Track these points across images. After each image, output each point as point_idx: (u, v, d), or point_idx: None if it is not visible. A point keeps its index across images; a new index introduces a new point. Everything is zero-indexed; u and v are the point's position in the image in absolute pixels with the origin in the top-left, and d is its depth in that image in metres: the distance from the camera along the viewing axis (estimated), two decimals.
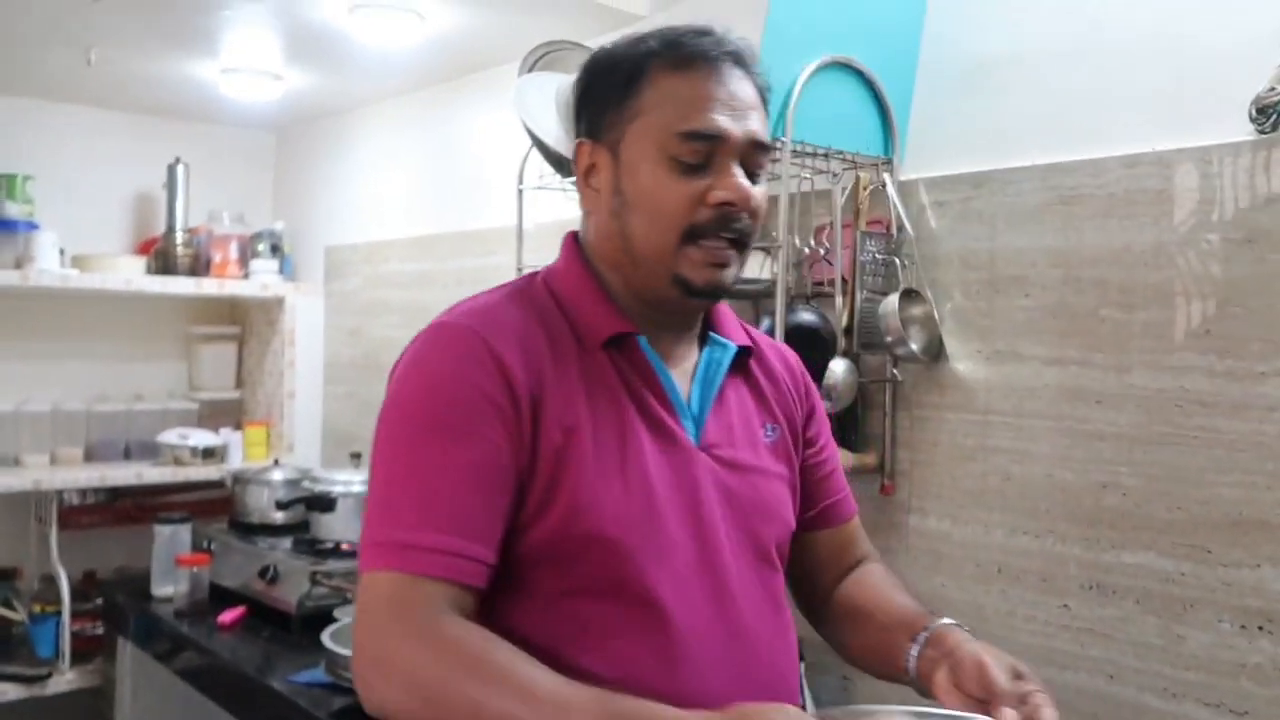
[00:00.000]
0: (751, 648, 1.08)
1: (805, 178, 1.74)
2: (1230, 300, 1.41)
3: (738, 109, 1.05)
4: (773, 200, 1.85)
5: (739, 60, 1.07)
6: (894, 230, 1.74)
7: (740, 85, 1.07)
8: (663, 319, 1.11)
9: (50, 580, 2.94)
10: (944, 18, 1.75)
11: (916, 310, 1.70)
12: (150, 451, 3.15)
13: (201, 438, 3.08)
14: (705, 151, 1.04)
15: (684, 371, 1.13)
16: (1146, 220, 1.49)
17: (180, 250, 3.19)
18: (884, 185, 1.73)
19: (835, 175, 1.73)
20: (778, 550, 1.16)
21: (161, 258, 3.19)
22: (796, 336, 1.67)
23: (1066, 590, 1.56)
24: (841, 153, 1.72)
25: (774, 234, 1.68)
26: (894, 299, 1.66)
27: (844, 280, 1.72)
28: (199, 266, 3.24)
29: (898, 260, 1.73)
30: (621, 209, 1.07)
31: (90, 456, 3.12)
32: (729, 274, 1.07)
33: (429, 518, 0.97)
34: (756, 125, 1.07)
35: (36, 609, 2.93)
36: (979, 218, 1.69)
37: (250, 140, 3.61)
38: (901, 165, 1.77)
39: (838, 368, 1.68)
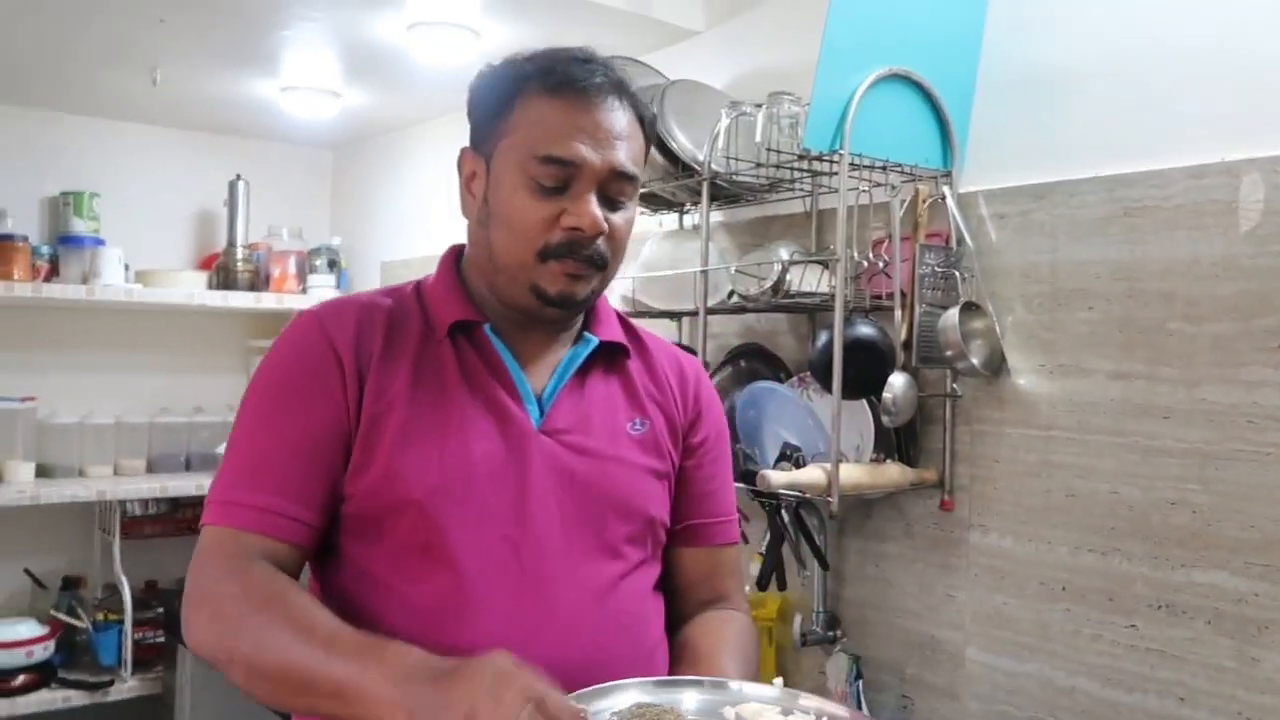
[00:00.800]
0: (560, 625, 1.09)
1: (863, 190, 1.72)
2: None
3: (601, 138, 1.10)
4: (830, 213, 1.85)
5: (616, 90, 1.12)
6: (954, 243, 1.72)
7: (610, 115, 1.11)
8: (527, 320, 1.17)
9: (113, 589, 3.00)
10: (1004, 29, 1.73)
11: (977, 324, 1.68)
12: (210, 463, 3.20)
13: None
14: (562, 176, 1.09)
15: (548, 365, 1.19)
16: (1215, 231, 1.46)
17: (240, 265, 3.25)
18: (943, 198, 1.71)
19: (894, 188, 1.71)
20: (632, 540, 1.17)
21: (222, 272, 3.25)
22: (855, 350, 1.66)
23: (1134, 610, 1.53)
24: (900, 165, 1.71)
25: (832, 247, 1.66)
26: (954, 313, 1.64)
27: (903, 294, 1.70)
28: (258, 281, 3.29)
29: (957, 273, 1.71)
30: (487, 219, 1.15)
31: (152, 468, 3.18)
32: (584, 288, 1.13)
33: (253, 479, 1.08)
34: (622, 155, 1.11)
35: (100, 617, 2.99)
36: (1040, 230, 1.66)
37: (308, 157, 3.67)
38: (961, 177, 1.75)
39: (896, 382, 1.66)
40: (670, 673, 1.17)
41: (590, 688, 0.97)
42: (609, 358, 1.23)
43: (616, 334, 1.24)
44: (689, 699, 1.03)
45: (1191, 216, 1.48)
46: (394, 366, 1.13)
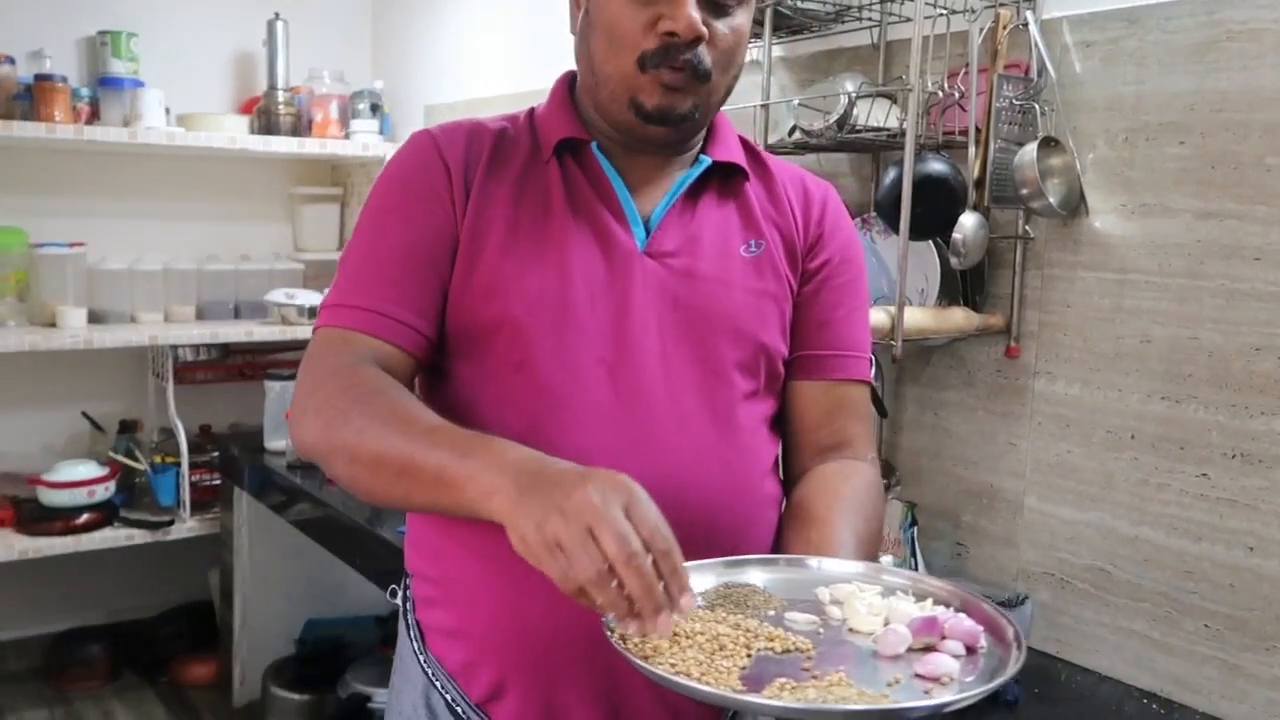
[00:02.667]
0: (653, 452, 1.05)
1: (940, 15, 1.61)
2: None
3: None
4: (899, 45, 1.74)
5: None
6: (1034, 74, 1.61)
7: None
8: (636, 141, 1.12)
9: (169, 433, 3.05)
10: None
11: (1055, 161, 1.58)
12: (259, 310, 3.21)
13: (307, 297, 3.11)
14: None
15: (659, 188, 1.14)
16: None
17: (282, 110, 3.17)
18: (1025, 24, 1.60)
19: (973, 13, 1.60)
20: (741, 367, 1.12)
21: (264, 116, 3.18)
22: (925, 188, 1.58)
23: (1207, 458, 1.48)
24: None
25: (903, 77, 1.57)
26: (1031, 148, 1.55)
27: (977, 129, 1.61)
28: (300, 126, 3.22)
29: (1037, 106, 1.60)
30: (587, 30, 1.10)
31: (201, 315, 3.19)
32: (683, 102, 1.07)
33: (363, 284, 1.08)
34: None
35: (157, 460, 3.05)
36: (1130, 58, 1.55)
37: None
38: (1045, 2, 1.63)
39: (967, 222, 1.58)
40: (781, 532, 1.13)
41: None
42: (725, 180, 1.16)
43: (734, 155, 1.17)
44: (760, 578, 0.98)
45: None
46: (498, 184, 1.11)
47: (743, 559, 1.00)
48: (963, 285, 1.72)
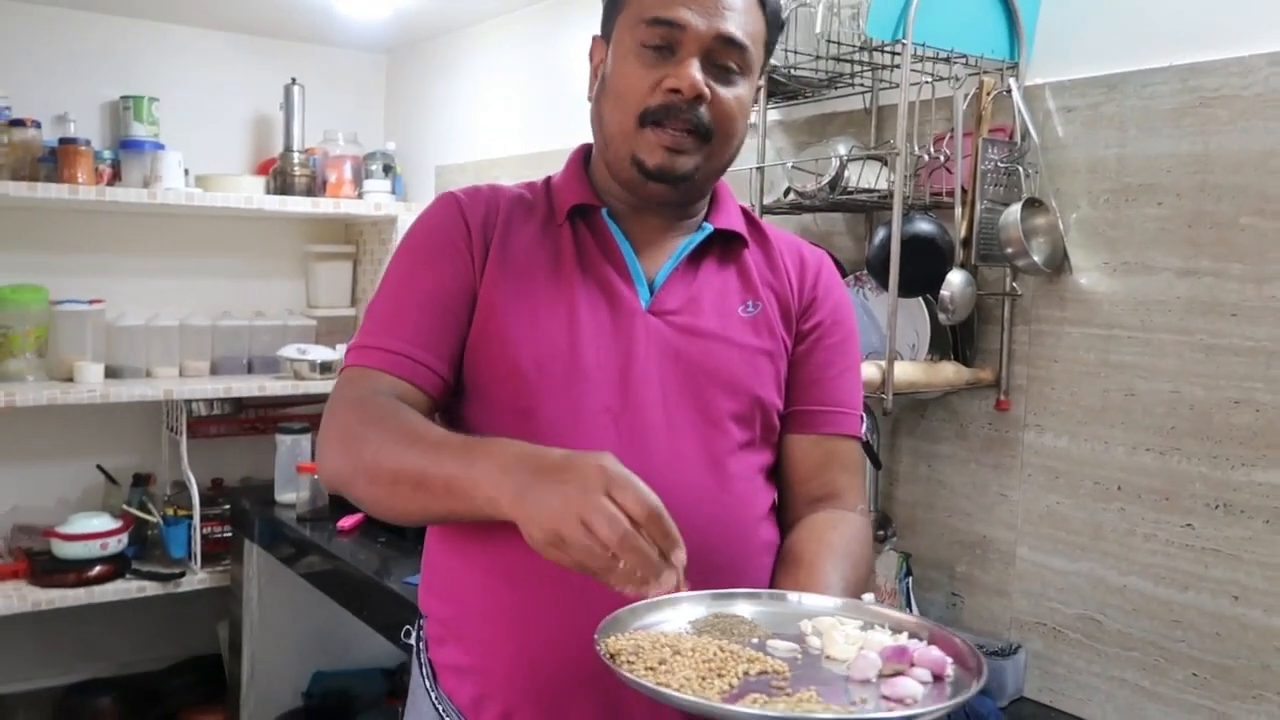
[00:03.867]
0: (664, 497, 1.08)
1: (925, 82, 1.68)
2: None
3: (710, 5, 1.10)
4: (890, 109, 1.81)
5: None
6: (1018, 137, 1.68)
7: None
8: (644, 203, 1.20)
9: (182, 486, 3.10)
10: None
11: (1039, 220, 1.64)
12: (271, 365, 3.27)
13: (319, 352, 3.18)
14: (667, 37, 1.11)
15: (664, 251, 1.22)
16: None
17: (297, 170, 3.27)
18: (1009, 90, 1.67)
19: (958, 80, 1.67)
20: (737, 418, 1.17)
21: (280, 177, 3.27)
22: (913, 247, 1.64)
23: (1191, 509, 1.52)
24: (964, 56, 1.66)
25: (891, 141, 1.63)
26: (1015, 209, 1.61)
27: (964, 190, 1.67)
28: (315, 186, 3.31)
29: (1021, 169, 1.67)
30: (600, 94, 1.19)
31: (215, 369, 3.26)
32: (684, 161, 1.14)
33: (387, 329, 1.16)
34: (730, 24, 1.11)
35: (170, 512, 3.10)
36: (1110, 123, 1.61)
37: (362, 61, 3.65)
38: (1028, 69, 1.70)
39: (955, 279, 1.64)
40: (773, 576, 1.17)
41: (642, 601, 0.96)
42: (726, 246, 1.24)
43: (734, 224, 1.24)
44: (746, 611, 1.03)
45: (1271, 106, 1.43)
46: (515, 243, 1.19)
47: (730, 591, 1.05)
48: (953, 340, 1.77)
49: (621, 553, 0.86)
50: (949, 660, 0.92)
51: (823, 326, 1.25)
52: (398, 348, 1.14)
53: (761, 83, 1.80)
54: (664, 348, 1.16)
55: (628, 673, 0.85)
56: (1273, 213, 1.42)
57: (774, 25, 1.20)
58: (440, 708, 1.19)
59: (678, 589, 0.89)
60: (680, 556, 0.89)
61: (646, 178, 1.15)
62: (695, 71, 1.11)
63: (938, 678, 0.90)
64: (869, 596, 1.04)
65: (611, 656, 0.88)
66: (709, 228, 1.22)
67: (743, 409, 1.18)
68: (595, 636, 0.90)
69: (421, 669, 1.24)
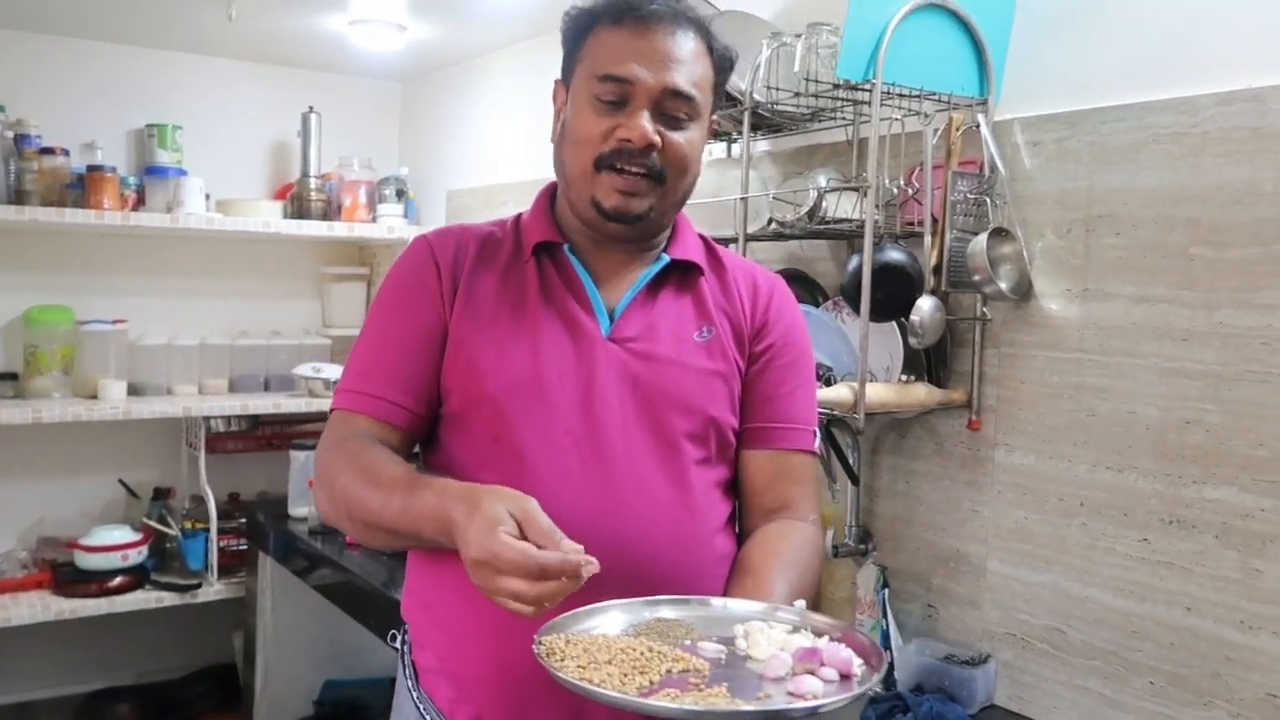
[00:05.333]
0: (615, 510, 1.21)
1: (896, 119, 1.77)
2: None
3: (657, 61, 1.20)
4: (863, 141, 1.89)
5: (675, 18, 1.22)
6: (987, 170, 1.76)
7: (667, 40, 1.21)
8: (604, 240, 1.30)
9: (200, 500, 3.21)
10: None
11: (1006, 249, 1.73)
12: (287, 384, 3.39)
13: (333, 371, 3.29)
14: (619, 93, 1.20)
15: (624, 282, 1.31)
16: (1240, 158, 1.48)
17: (314, 195, 3.39)
18: (977, 126, 1.75)
19: (927, 116, 1.76)
20: (692, 437, 1.26)
21: (296, 202, 3.40)
22: (884, 274, 1.73)
23: (1147, 524, 1.59)
24: (935, 94, 1.75)
25: (864, 174, 1.72)
26: (982, 238, 1.69)
27: (935, 220, 1.76)
28: (330, 210, 3.44)
29: (989, 200, 1.75)
30: (561, 138, 1.30)
31: (233, 387, 3.38)
32: (638, 203, 1.24)
33: (366, 371, 1.28)
34: (678, 76, 1.21)
35: (188, 525, 3.21)
36: (1073, 157, 1.69)
37: (378, 90, 3.78)
38: (997, 106, 1.79)
39: (924, 305, 1.72)
40: (726, 584, 1.25)
41: (580, 609, 1.07)
42: (683, 275, 1.33)
43: (691, 254, 1.34)
44: (683, 615, 1.12)
45: (1218, 143, 1.51)
46: (483, 279, 1.29)
47: (655, 599, 1.14)
48: (927, 363, 1.85)
49: (535, 590, 0.96)
50: (856, 660, 1.01)
51: (775, 348, 1.34)
52: (376, 391, 1.25)
53: (746, 112, 1.91)
54: (623, 373, 1.25)
55: (558, 670, 0.94)
56: (1220, 243, 1.50)
57: (723, 68, 1.29)
58: (421, 707, 1.28)
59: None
60: (589, 569, 0.97)
61: (605, 218, 1.25)
62: (645, 123, 1.21)
63: (845, 676, 1.00)
64: (800, 603, 1.13)
65: (548, 655, 0.97)
66: (666, 259, 1.32)
67: (697, 428, 1.27)
68: (535, 636, 0.99)
69: (405, 670, 1.33)
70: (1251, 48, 1.48)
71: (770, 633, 1.05)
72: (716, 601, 1.15)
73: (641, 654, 0.99)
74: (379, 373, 1.26)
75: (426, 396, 1.27)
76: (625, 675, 0.94)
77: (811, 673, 0.98)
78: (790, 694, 0.96)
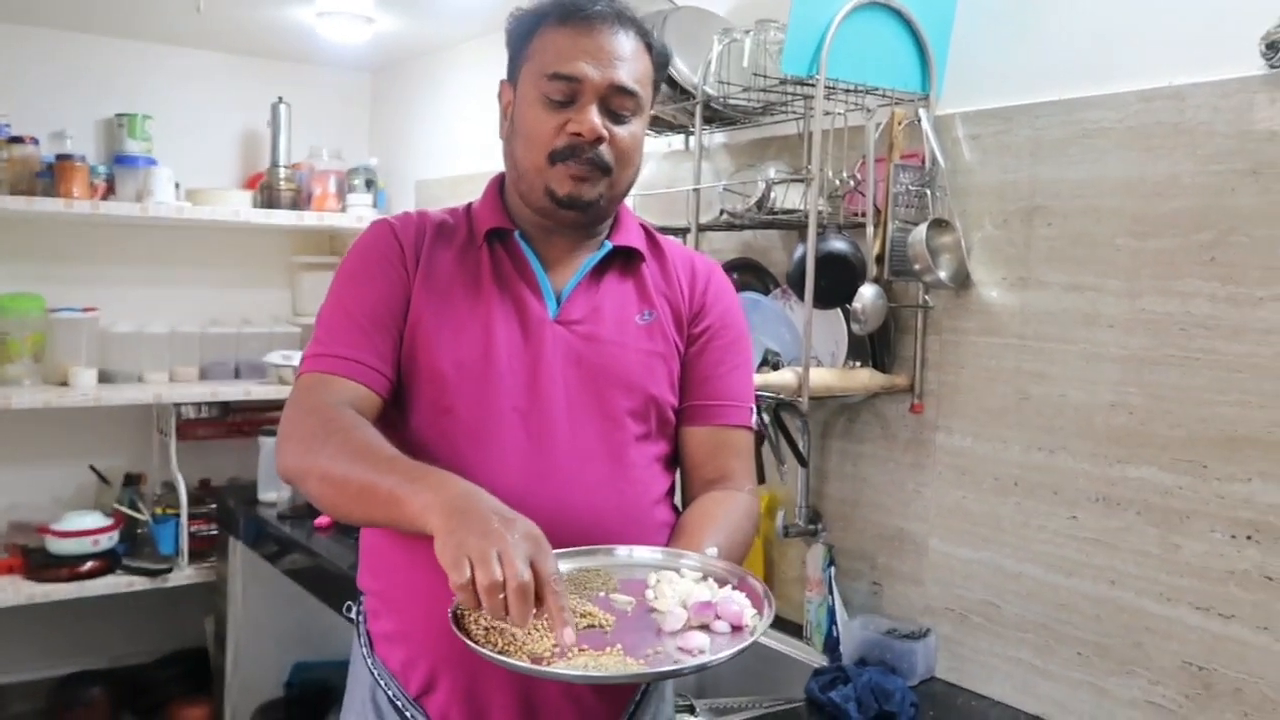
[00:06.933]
0: (558, 482, 1.27)
1: (840, 114, 1.83)
2: (1235, 229, 1.47)
3: (603, 59, 1.27)
4: (814, 135, 1.96)
5: (618, 18, 1.28)
6: (928, 163, 1.83)
7: (612, 39, 1.27)
8: (554, 226, 1.36)
9: (170, 486, 3.25)
10: None
11: (945, 239, 1.79)
12: (257, 371, 3.43)
13: None
14: (568, 91, 1.27)
15: (571, 267, 1.38)
16: (1161, 152, 1.55)
17: (283, 185, 3.43)
18: (919, 120, 1.82)
19: (869, 111, 1.82)
20: (634, 414, 1.33)
21: (266, 191, 3.43)
22: (828, 263, 1.79)
23: (1076, 502, 1.67)
24: (879, 89, 1.81)
25: (808, 167, 1.79)
26: (922, 229, 1.76)
27: (878, 211, 1.82)
28: (300, 200, 3.47)
29: (930, 192, 1.82)
30: (511, 135, 1.36)
31: (204, 375, 3.41)
32: (589, 190, 1.31)
33: (338, 337, 1.29)
34: (622, 73, 1.28)
35: (158, 511, 3.25)
36: (1009, 151, 1.76)
37: (347, 80, 3.81)
38: (939, 101, 1.86)
39: (866, 293, 1.79)
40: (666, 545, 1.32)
41: None
42: (626, 260, 1.40)
43: (633, 240, 1.40)
44: (601, 563, 1.21)
45: (1140, 138, 1.58)
46: (440, 261, 1.34)
47: (569, 550, 1.19)
48: (872, 349, 1.92)
49: (511, 595, 0.96)
50: (749, 611, 1.09)
51: (712, 329, 1.41)
52: (349, 354, 1.27)
53: (698, 106, 1.97)
54: (568, 353, 1.32)
55: (470, 629, 1.01)
56: (1142, 233, 1.58)
57: (660, 65, 1.37)
58: (375, 672, 1.35)
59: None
60: (568, 636, 0.99)
61: (559, 205, 1.31)
62: (594, 117, 1.28)
63: (738, 628, 1.08)
64: (711, 551, 1.21)
65: (465, 614, 1.04)
66: (609, 245, 1.38)
67: (638, 406, 1.34)
68: (455, 597, 1.04)
69: (360, 639, 1.40)
70: (1172, 48, 1.55)
71: (678, 583, 1.13)
72: (622, 550, 1.24)
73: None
74: (354, 337, 1.29)
75: (394, 365, 1.31)
76: (529, 634, 1.01)
77: (706, 626, 1.06)
78: (680, 648, 1.04)
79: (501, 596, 0.96)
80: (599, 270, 1.38)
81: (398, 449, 1.20)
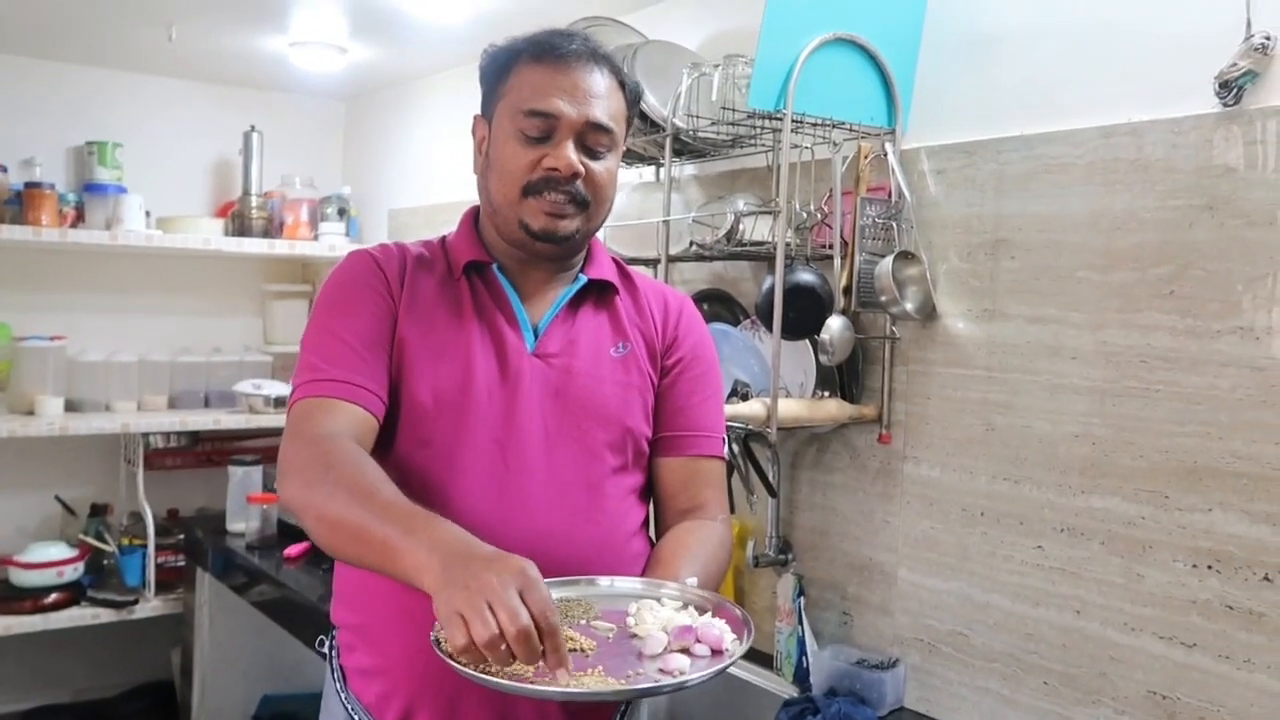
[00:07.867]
0: (534, 513, 1.27)
1: (807, 147, 1.86)
2: (1192, 263, 1.50)
3: (579, 96, 1.28)
4: (792, 166, 1.98)
5: (592, 56, 1.30)
6: (894, 196, 1.85)
7: (587, 77, 1.29)
8: (530, 259, 1.35)
9: (137, 516, 3.21)
10: None
11: (912, 271, 1.81)
12: (227, 400, 3.40)
13: (274, 388, 3.31)
14: (544, 127, 1.28)
15: (547, 300, 1.39)
16: (1120, 187, 1.58)
17: (255, 213, 3.42)
18: (884, 154, 1.84)
19: (835, 145, 1.85)
20: (610, 446, 1.34)
21: (238, 220, 3.42)
22: (796, 295, 1.81)
23: (1041, 532, 1.68)
24: (845, 124, 1.84)
25: (776, 200, 1.81)
26: (888, 261, 1.78)
27: (845, 243, 1.84)
28: (272, 228, 3.46)
29: (896, 224, 1.84)
30: (486, 169, 1.37)
31: (173, 404, 3.38)
32: (566, 224, 1.32)
33: (330, 360, 1.28)
34: (597, 110, 1.30)
35: (125, 542, 3.21)
36: (974, 184, 1.79)
37: (320, 109, 3.82)
38: (904, 135, 1.88)
39: (833, 324, 1.81)
40: (641, 574, 1.32)
41: None
42: (600, 294, 1.41)
43: (606, 274, 1.42)
44: (579, 594, 1.21)
45: (1102, 173, 1.61)
46: (420, 293, 1.35)
47: (557, 580, 1.19)
48: (840, 380, 1.94)
49: (513, 642, 0.96)
50: (729, 636, 1.11)
51: (684, 361, 1.43)
52: (346, 377, 1.26)
53: (668, 139, 1.99)
54: (546, 385, 1.33)
55: (452, 658, 1.00)
56: (1103, 266, 1.60)
57: (633, 101, 1.39)
58: (349, 707, 1.34)
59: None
60: (563, 674, 0.99)
61: (534, 238, 1.32)
62: (570, 153, 1.29)
63: (717, 651, 1.09)
64: (692, 580, 1.21)
65: (446, 640, 1.02)
66: (584, 278, 1.40)
67: (615, 438, 1.35)
68: (436, 624, 1.03)
69: (333, 674, 1.39)
70: (1131, 85, 1.59)
71: (659, 611, 1.14)
72: (603, 580, 1.25)
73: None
74: (350, 361, 1.27)
75: (387, 389, 1.30)
76: (512, 657, 1.01)
77: (686, 649, 1.07)
78: (661, 670, 1.05)
79: (504, 646, 0.96)
80: (574, 303, 1.39)
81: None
